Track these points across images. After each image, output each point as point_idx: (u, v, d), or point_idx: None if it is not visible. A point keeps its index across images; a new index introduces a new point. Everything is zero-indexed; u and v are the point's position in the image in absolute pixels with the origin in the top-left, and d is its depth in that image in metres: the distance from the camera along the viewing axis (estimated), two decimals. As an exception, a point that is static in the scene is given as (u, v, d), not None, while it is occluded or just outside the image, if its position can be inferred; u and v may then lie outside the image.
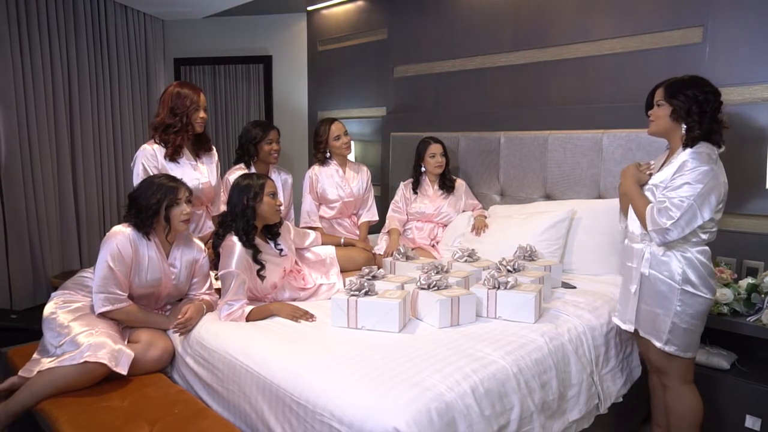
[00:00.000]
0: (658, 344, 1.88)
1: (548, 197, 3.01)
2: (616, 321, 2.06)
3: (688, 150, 1.80)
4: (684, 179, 1.76)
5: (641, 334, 1.94)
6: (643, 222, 1.86)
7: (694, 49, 2.54)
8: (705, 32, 2.50)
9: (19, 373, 1.93)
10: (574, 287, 2.45)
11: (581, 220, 2.68)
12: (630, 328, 1.97)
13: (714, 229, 1.83)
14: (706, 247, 1.84)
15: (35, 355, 2.00)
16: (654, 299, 1.88)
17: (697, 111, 1.80)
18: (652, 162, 2.00)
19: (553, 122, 2.98)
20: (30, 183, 3.70)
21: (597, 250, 2.63)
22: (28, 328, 3.21)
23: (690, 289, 1.81)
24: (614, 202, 2.59)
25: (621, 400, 2.13)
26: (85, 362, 1.82)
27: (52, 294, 2.15)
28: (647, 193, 1.89)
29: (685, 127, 1.82)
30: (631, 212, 1.97)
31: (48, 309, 2.06)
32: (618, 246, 2.59)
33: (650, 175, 1.93)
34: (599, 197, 2.79)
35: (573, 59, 2.97)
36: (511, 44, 3.23)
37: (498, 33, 3.28)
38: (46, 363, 1.89)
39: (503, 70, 3.28)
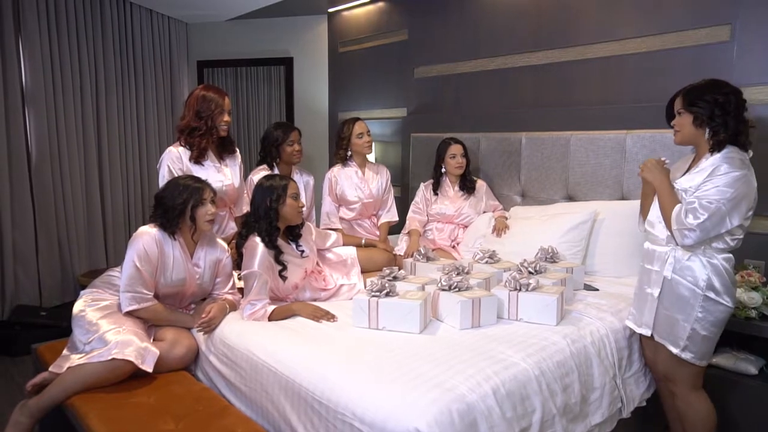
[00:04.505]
0: (674, 350, 1.85)
1: (570, 198, 2.98)
2: (630, 324, 2.03)
3: (720, 155, 1.76)
4: (715, 183, 1.73)
5: (656, 338, 1.92)
6: (668, 220, 1.81)
7: (722, 48, 2.49)
8: (733, 30, 2.45)
9: (50, 368, 1.98)
10: (597, 289, 2.42)
11: (604, 222, 2.65)
12: (647, 332, 1.94)
13: (741, 236, 1.80)
14: (731, 255, 1.82)
15: (65, 352, 2.05)
16: (674, 304, 1.85)
17: (720, 114, 1.76)
18: (666, 159, 1.97)
19: (575, 123, 2.95)
20: (59, 184, 3.80)
21: (620, 252, 2.59)
22: (57, 325, 3.31)
23: (713, 296, 1.78)
24: (638, 204, 2.57)
25: (644, 404, 2.10)
26: (113, 359, 1.86)
27: (81, 292, 2.21)
28: None
29: (709, 131, 1.79)
30: (654, 215, 1.94)
31: (77, 307, 2.12)
32: (641, 248, 2.54)
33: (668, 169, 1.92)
34: (622, 198, 2.76)
35: (596, 59, 2.94)
36: (532, 44, 3.21)
37: (519, 33, 3.26)
38: (76, 359, 1.94)
39: (525, 71, 3.26)
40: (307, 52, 4.60)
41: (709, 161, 1.78)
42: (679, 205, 1.79)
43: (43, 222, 3.73)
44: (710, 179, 1.75)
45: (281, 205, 2.22)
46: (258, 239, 2.17)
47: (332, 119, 4.56)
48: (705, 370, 1.92)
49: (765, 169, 2.16)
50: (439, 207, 3.15)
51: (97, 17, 4.00)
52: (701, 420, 1.91)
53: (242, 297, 2.22)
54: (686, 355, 1.84)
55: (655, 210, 1.93)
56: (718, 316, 1.80)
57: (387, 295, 1.98)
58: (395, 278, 2.22)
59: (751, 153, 1.81)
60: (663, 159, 1.95)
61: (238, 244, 2.26)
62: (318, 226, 3.12)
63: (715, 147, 1.78)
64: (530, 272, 2.25)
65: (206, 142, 2.51)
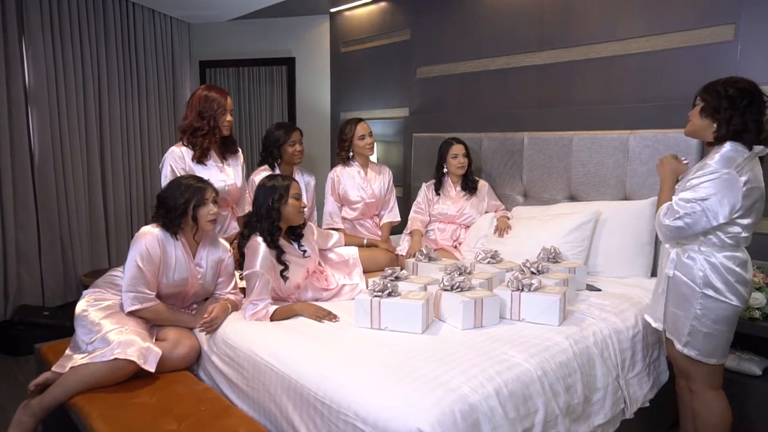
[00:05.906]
0: (678, 346, 1.86)
1: (573, 198, 2.97)
2: (648, 318, 2.04)
3: (719, 153, 1.75)
4: (698, 180, 1.73)
5: (667, 334, 1.93)
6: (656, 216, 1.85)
7: (726, 48, 2.48)
8: (737, 30, 2.44)
9: (53, 368, 1.98)
10: (599, 290, 2.42)
11: (606, 222, 2.64)
12: (660, 326, 1.96)
13: (743, 235, 1.77)
14: (737, 253, 1.78)
15: (67, 351, 2.06)
16: (676, 301, 1.86)
17: (727, 107, 1.73)
18: (686, 159, 1.98)
19: (578, 123, 2.95)
20: (62, 184, 3.81)
21: (623, 252, 2.59)
22: (60, 325, 3.31)
23: (712, 293, 1.77)
24: (641, 204, 2.58)
25: (647, 405, 2.10)
26: (115, 359, 1.86)
27: (84, 292, 2.21)
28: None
29: (715, 125, 1.78)
30: None
31: (80, 306, 2.12)
32: (644, 248, 2.56)
33: (686, 165, 1.92)
34: (625, 199, 2.75)
35: (599, 59, 2.93)
36: (535, 44, 3.20)
37: (522, 33, 3.26)
38: (78, 359, 1.95)
39: (528, 70, 3.26)
40: (309, 52, 4.60)
41: (706, 158, 1.78)
42: (667, 203, 1.81)
43: (45, 222, 3.73)
44: (693, 177, 1.75)
45: (283, 205, 2.22)
46: (260, 239, 2.17)
47: (334, 119, 4.56)
48: (721, 370, 1.89)
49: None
50: (441, 207, 3.15)
51: (99, 17, 4.01)
52: (714, 420, 1.88)
53: (244, 297, 2.22)
54: (689, 352, 1.83)
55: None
56: (719, 314, 1.78)
57: (389, 295, 1.98)
58: (397, 278, 2.22)
59: (765, 150, 1.74)
60: (684, 159, 1.94)
61: (240, 244, 2.27)
62: (320, 225, 3.12)
63: (716, 141, 1.77)
64: (533, 272, 2.25)
65: (209, 141, 2.51)
